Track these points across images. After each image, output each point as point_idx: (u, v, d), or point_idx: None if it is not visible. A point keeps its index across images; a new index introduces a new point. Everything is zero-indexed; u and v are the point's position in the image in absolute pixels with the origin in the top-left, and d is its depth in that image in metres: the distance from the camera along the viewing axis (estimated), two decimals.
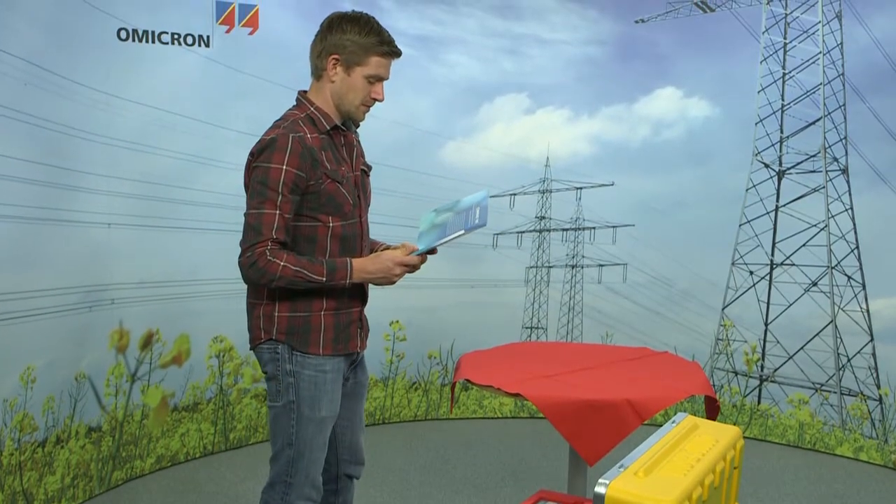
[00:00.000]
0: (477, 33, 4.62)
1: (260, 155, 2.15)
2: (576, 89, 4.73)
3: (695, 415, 1.83)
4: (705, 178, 4.65)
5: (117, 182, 3.49)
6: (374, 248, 2.42)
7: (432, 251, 2.28)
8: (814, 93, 4.34)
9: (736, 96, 4.55)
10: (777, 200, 4.48)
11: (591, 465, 2.40)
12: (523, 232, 4.85)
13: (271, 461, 2.31)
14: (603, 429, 2.32)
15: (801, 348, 4.43)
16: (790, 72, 4.41)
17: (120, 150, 3.50)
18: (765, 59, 4.46)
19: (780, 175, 4.46)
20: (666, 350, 3.25)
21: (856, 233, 4.26)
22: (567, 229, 4.87)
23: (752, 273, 4.57)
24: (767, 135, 4.48)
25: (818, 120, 4.34)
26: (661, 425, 1.74)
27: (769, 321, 4.54)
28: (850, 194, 4.27)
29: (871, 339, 4.23)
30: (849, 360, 4.29)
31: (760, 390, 4.57)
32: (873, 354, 4.23)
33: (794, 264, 4.44)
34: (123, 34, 3.49)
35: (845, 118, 4.25)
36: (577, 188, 4.80)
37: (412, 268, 2.26)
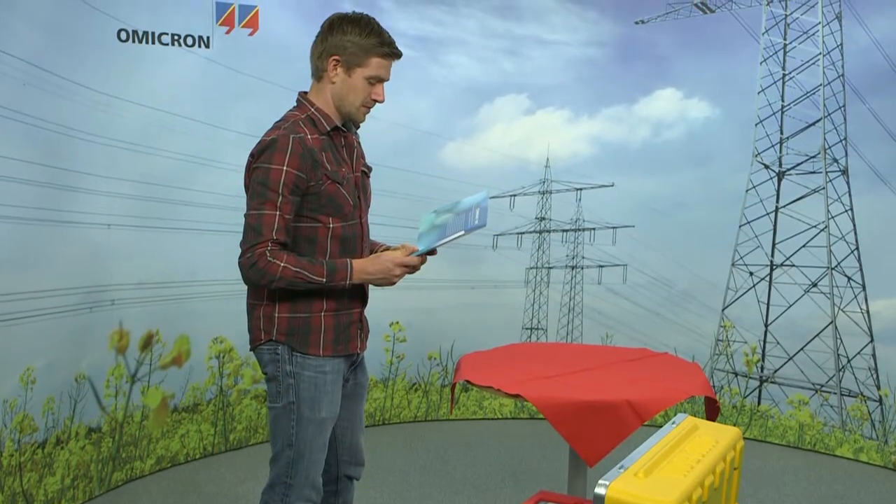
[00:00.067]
0: (477, 34, 4.62)
1: (260, 156, 2.15)
2: (576, 90, 4.73)
3: (695, 416, 1.83)
4: (705, 178, 4.65)
5: (117, 183, 3.49)
6: (373, 248, 2.42)
7: (432, 252, 2.28)
8: (814, 94, 4.34)
9: (736, 97, 4.55)
10: (777, 201, 4.48)
11: (591, 466, 2.40)
12: (523, 233, 4.85)
13: (271, 462, 2.31)
14: (603, 430, 2.32)
15: (801, 349, 4.43)
16: (790, 73, 4.41)
17: (120, 151, 3.50)
18: (765, 60, 4.46)
19: (780, 176, 4.46)
20: (666, 351, 3.25)
21: (856, 234, 4.26)
22: (567, 230, 4.87)
23: (752, 274, 4.57)
24: (767, 136, 4.48)
25: (818, 121, 4.34)
26: (661, 426, 1.74)
27: (769, 322, 4.54)
28: (850, 195, 4.27)
29: (871, 340, 4.23)
30: (849, 361, 4.29)
31: (760, 391, 4.57)
32: (873, 355, 4.23)
33: (794, 265, 4.44)
34: (123, 35, 3.49)
35: (845, 119, 4.25)
36: (577, 189, 4.80)
37: (412, 269, 2.26)
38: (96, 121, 3.38)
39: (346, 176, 2.26)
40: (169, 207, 3.72)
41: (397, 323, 4.63)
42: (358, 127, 2.39)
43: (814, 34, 4.33)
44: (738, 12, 4.47)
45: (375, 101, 2.28)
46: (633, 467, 1.49)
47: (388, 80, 2.29)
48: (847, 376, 4.30)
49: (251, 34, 3.89)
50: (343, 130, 2.30)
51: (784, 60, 4.42)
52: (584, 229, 4.85)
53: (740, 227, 4.57)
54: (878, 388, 4.21)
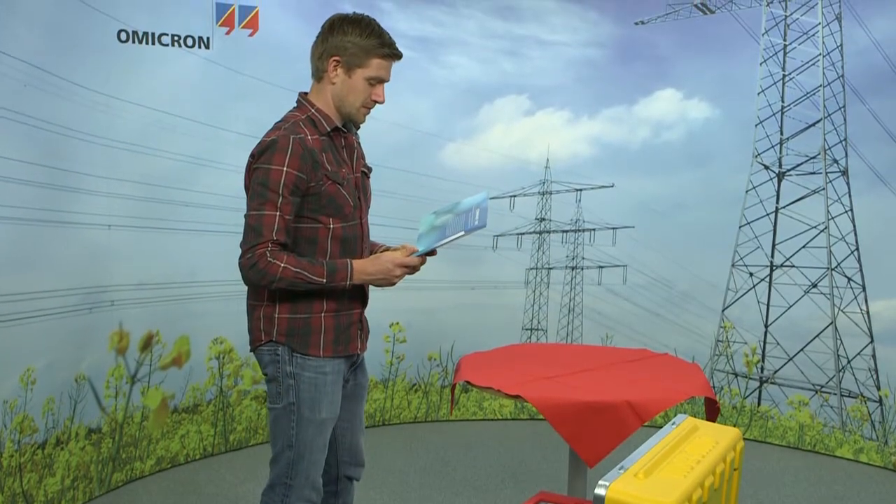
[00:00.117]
0: (477, 35, 4.63)
1: (260, 156, 2.15)
2: (576, 91, 4.73)
3: (695, 416, 1.83)
4: (705, 179, 4.65)
5: (117, 184, 3.49)
6: (373, 249, 2.42)
7: (432, 253, 2.28)
8: (813, 94, 4.34)
9: (736, 98, 4.55)
10: (777, 202, 4.48)
11: (591, 467, 2.40)
12: (523, 233, 4.85)
13: (271, 463, 2.31)
14: (603, 430, 2.32)
15: (801, 350, 4.43)
16: (790, 73, 4.41)
17: (120, 152, 3.50)
18: (765, 61, 4.47)
19: (780, 177, 4.47)
20: (666, 352, 3.25)
21: (856, 234, 4.26)
22: (567, 231, 4.87)
23: (752, 275, 4.57)
24: (767, 136, 4.48)
25: (818, 122, 4.34)
26: (661, 427, 1.74)
27: (769, 323, 4.54)
28: (849, 196, 4.27)
29: (871, 341, 4.23)
30: (849, 362, 4.29)
31: (760, 392, 4.57)
32: (873, 356, 4.23)
33: (794, 266, 4.44)
34: (123, 36, 3.49)
35: (845, 120, 4.25)
36: (577, 190, 4.80)
37: (412, 269, 2.26)
38: (96, 121, 3.38)
39: (346, 177, 2.26)
40: (169, 208, 3.72)
41: (397, 324, 4.63)
42: (358, 128, 2.40)
43: (814, 35, 4.33)
44: (738, 13, 4.47)
45: (376, 101, 2.28)
46: (633, 468, 1.49)
47: (388, 80, 2.29)
48: (847, 377, 4.30)
49: (251, 35, 3.89)
50: (343, 131, 2.30)
51: (784, 61, 4.43)
52: (584, 230, 4.86)
53: (740, 227, 4.57)
54: (878, 388, 4.21)
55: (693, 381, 2.64)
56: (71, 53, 3.27)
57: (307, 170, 2.15)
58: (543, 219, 4.85)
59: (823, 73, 4.31)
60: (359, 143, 2.40)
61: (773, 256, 4.50)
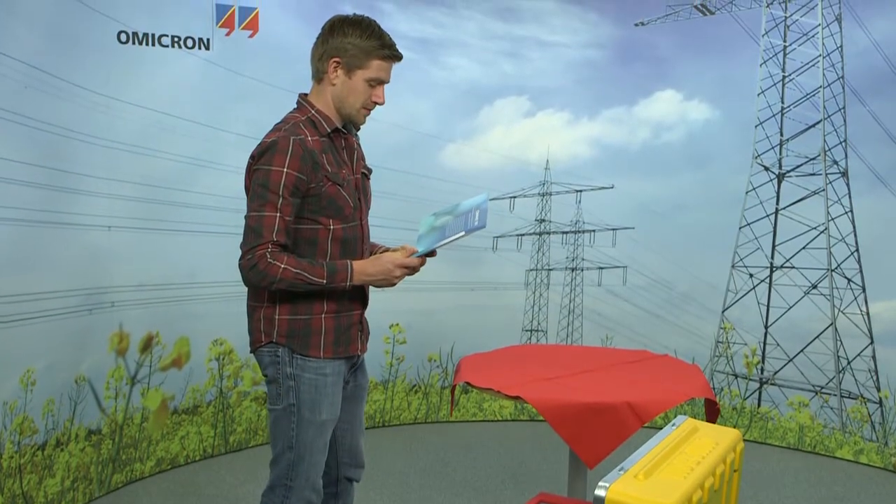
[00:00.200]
0: (477, 36, 4.63)
1: (261, 157, 2.16)
2: (576, 92, 4.73)
3: (695, 418, 1.83)
4: (705, 180, 4.65)
5: (117, 185, 3.49)
6: (373, 250, 2.42)
7: (432, 253, 2.28)
8: (813, 95, 4.35)
9: (736, 99, 4.55)
10: (777, 203, 4.48)
11: (592, 468, 2.40)
12: (523, 235, 4.85)
13: (271, 464, 2.31)
14: (603, 432, 2.32)
15: (801, 351, 4.43)
16: (790, 75, 4.41)
17: (120, 153, 3.50)
18: (765, 62, 4.47)
19: (780, 178, 4.47)
20: (666, 353, 3.25)
21: (855, 235, 4.26)
22: (567, 232, 4.87)
23: (751, 276, 4.57)
24: (767, 137, 4.48)
25: (818, 123, 4.34)
26: (661, 428, 1.74)
27: (769, 324, 4.54)
28: (849, 197, 4.27)
29: (871, 342, 4.23)
30: (849, 363, 4.29)
31: (760, 393, 4.57)
32: (873, 357, 4.23)
33: (794, 267, 4.44)
34: (123, 37, 3.49)
35: (845, 121, 4.25)
36: (577, 191, 4.80)
37: (412, 270, 2.26)
38: (96, 123, 3.39)
39: (346, 178, 2.26)
40: (169, 209, 3.72)
41: (397, 325, 4.63)
42: (358, 129, 2.40)
43: (814, 36, 4.33)
44: (737, 14, 4.47)
45: (376, 103, 2.28)
46: (633, 469, 1.50)
47: (388, 82, 2.29)
48: (847, 378, 4.30)
49: (251, 36, 3.89)
50: (343, 132, 2.31)
51: (784, 62, 4.43)
52: (583, 231, 4.86)
53: (740, 228, 4.57)
54: (878, 389, 4.21)
55: (693, 382, 2.64)
56: (71, 54, 3.27)
57: (307, 171, 2.15)
58: (543, 220, 4.85)
59: (823, 75, 4.31)
60: (359, 145, 2.40)
61: (773, 257, 4.50)
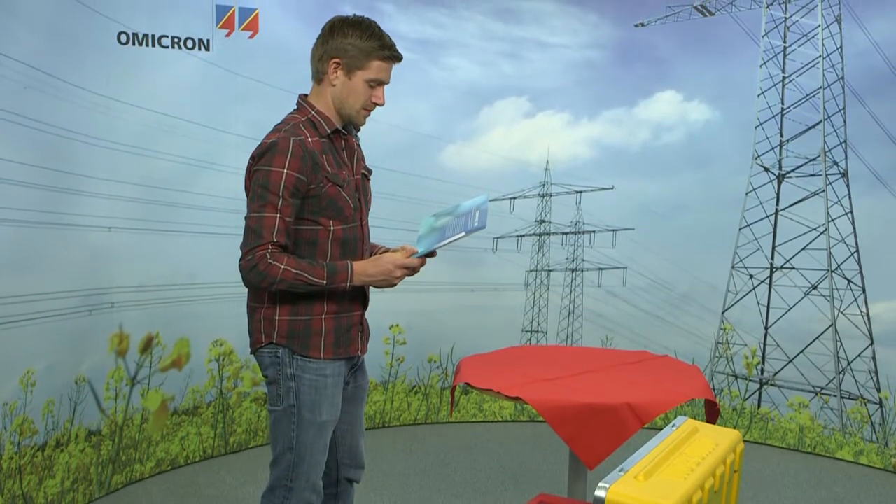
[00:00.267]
0: (477, 37, 4.63)
1: (261, 158, 2.16)
2: (576, 93, 4.73)
3: (695, 418, 1.83)
4: (705, 181, 4.65)
5: (117, 185, 3.49)
6: (373, 251, 2.42)
7: (432, 254, 2.28)
8: (813, 96, 4.35)
9: (736, 100, 4.55)
10: (777, 204, 4.48)
11: (591, 469, 2.40)
12: (523, 235, 4.85)
13: (271, 465, 2.31)
14: (603, 432, 2.32)
15: (801, 352, 4.43)
16: (790, 75, 4.41)
17: (120, 154, 3.50)
18: (764, 63, 4.47)
19: (780, 178, 4.47)
20: (666, 353, 3.25)
21: (855, 236, 4.26)
22: (567, 233, 4.87)
23: (752, 276, 4.57)
24: (767, 138, 4.48)
25: (818, 123, 4.34)
26: (661, 429, 1.74)
27: (769, 325, 4.54)
28: (849, 198, 4.27)
29: (871, 343, 4.23)
30: (849, 364, 4.29)
31: (760, 394, 4.57)
32: (873, 358, 4.22)
33: (794, 268, 4.44)
34: (123, 38, 3.50)
35: (845, 122, 4.26)
36: (577, 192, 4.80)
37: (412, 270, 2.26)
38: (96, 123, 3.39)
39: (346, 179, 2.26)
40: (169, 210, 3.72)
41: (397, 325, 4.63)
42: (358, 130, 2.40)
43: (813, 37, 4.33)
44: (737, 15, 4.47)
45: (376, 104, 2.28)
46: (633, 470, 1.50)
47: (388, 83, 2.29)
48: (847, 379, 4.30)
49: (251, 37, 3.89)
50: (343, 133, 2.31)
51: (784, 63, 4.43)
52: (583, 232, 4.86)
53: (740, 229, 4.57)
54: (878, 390, 4.21)
55: (693, 383, 2.64)
56: (71, 55, 3.28)
57: (307, 172, 2.15)
58: (543, 221, 4.85)
59: (823, 75, 4.31)
60: (359, 145, 2.40)
61: (773, 258, 4.50)
